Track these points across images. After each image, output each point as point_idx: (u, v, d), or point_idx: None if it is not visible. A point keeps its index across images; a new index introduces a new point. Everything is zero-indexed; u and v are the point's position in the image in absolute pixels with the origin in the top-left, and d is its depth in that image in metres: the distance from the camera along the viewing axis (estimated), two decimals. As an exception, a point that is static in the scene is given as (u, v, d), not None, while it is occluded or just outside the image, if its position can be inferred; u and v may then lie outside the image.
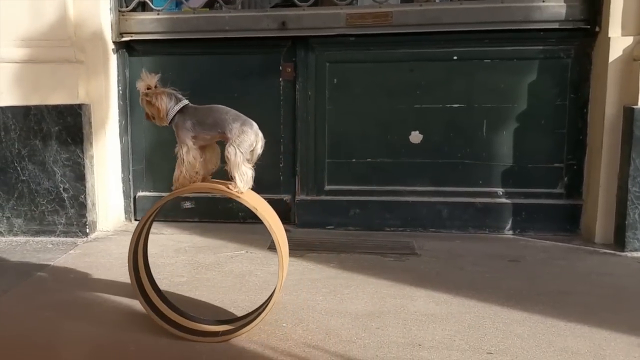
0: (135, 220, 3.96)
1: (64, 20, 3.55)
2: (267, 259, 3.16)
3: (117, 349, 2.13)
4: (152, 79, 2.19)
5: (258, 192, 3.80)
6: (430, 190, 3.73)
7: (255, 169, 2.23)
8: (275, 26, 3.67)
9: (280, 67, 3.79)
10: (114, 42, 3.79)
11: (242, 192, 2.16)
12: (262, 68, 3.82)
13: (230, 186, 2.17)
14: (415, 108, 3.70)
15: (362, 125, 3.76)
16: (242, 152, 2.13)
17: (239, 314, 2.41)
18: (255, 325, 2.17)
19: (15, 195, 3.58)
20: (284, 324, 2.34)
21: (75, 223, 3.55)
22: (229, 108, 2.22)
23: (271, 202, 3.80)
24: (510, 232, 3.67)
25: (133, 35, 3.80)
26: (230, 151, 2.13)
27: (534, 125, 3.64)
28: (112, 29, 3.76)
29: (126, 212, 3.97)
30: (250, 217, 3.87)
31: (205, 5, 3.86)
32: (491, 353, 2.09)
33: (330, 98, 3.76)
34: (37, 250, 3.32)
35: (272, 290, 2.65)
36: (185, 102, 2.22)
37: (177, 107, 2.19)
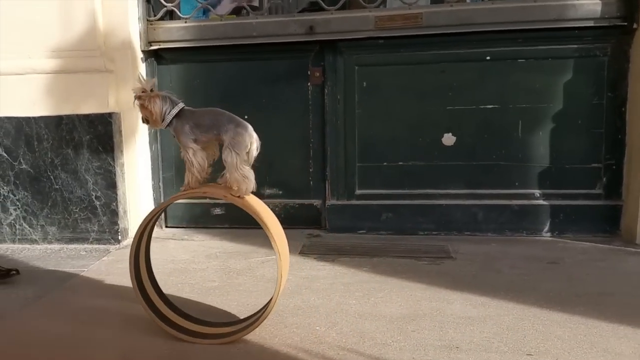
0: (167, 227, 3.98)
1: (93, 31, 3.57)
2: (299, 264, 3.12)
3: (152, 353, 2.11)
4: (148, 83, 2.18)
5: (288, 198, 3.86)
6: (465, 193, 3.66)
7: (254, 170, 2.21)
8: (302, 31, 3.65)
9: (309, 72, 3.77)
10: (142, 51, 3.81)
11: (242, 196, 2.16)
12: (290, 73, 3.80)
13: (231, 192, 2.16)
14: (447, 110, 3.63)
15: (393, 129, 3.71)
16: (238, 154, 2.12)
17: (272, 317, 2.38)
18: (253, 329, 2.15)
19: (49, 204, 3.61)
20: (317, 327, 2.30)
21: (107, 230, 3.57)
22: (223, 110, 2.22)
23: (301, 207, 3.87)
24: (548, 234, 3.58)
25: (161, 43, 3.82)
26: (227, 154, 2.12)
27: (571, 125, 3.55)
28: (140, 38, 3.78)
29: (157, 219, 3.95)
30: (280, 223, 3.84)
31: (233, 12, 3.86)
32: (531, 355, 2.03)
33: (359, 102, 3.72)
34: (71, 257, 3.34)
35: (303, 294, 2.65)
36: (182, 105, 2.20)
37: (175, 111, 2.18)
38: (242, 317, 2.37)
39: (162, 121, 2.18)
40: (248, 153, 2.16)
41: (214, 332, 2.25)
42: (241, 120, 2.18)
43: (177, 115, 2.18)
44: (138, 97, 2.18)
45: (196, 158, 2.17)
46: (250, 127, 2.17)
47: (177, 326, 2.26)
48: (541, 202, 3.59)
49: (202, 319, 2.34)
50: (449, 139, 3.65)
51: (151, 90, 2.18)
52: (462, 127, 3.64)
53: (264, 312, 2.17)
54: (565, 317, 2.34)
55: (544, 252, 3.25)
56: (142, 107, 2.18)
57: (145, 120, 2.22)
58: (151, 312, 2.24)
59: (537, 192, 3.61)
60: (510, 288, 2.68)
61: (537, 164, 3.59)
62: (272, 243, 2.13)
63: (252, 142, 2.16)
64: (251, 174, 2.16)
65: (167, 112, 2.17)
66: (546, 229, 3.58)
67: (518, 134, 3.59)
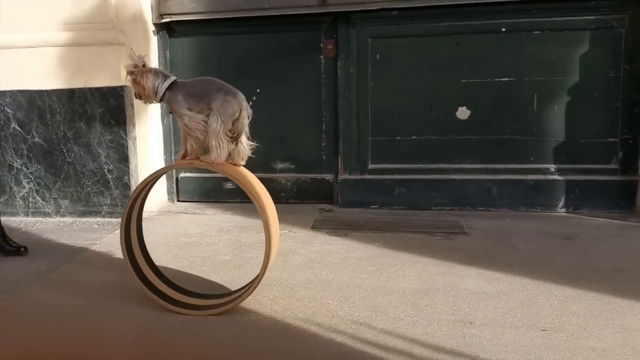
0: (178, 201, 3.98)
1: (105, 4, 3.55)
2: (311, 238, 3.11)
3: (165, 326, 2.12)
4: (140, 59, 2.18)
5: (300, 172, 3.85)
6: (479, 168, 3.62)
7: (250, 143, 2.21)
8: (315, 2, 3.60)
9: (321, 45, 3.73)
10: (154, 23, 3.78)
11: (216, 162, 2.14)
12: (303, 46, 3.76)
13: (204, 157, 2.16)
14: (461, 83, 3.58)
15: (407, 102, 3.66)
16: (223, 121, 2.10)
17: (284, 291, 2.38)
18: (238, 303, 2.16)
19: (62, 177, 3.62)
20: (329, 301, 2.28)
21: (119, 204, 3.57)
22: (215, 79, 2.20)
23: (314, 181, 3.85)
24: (563, 209, 3.54)
25: (173, 16, 3.78)
26: (212, 119, 2.11)
27: (587, 99, 3.49)
28: (152, 11, 3.75)
29: (169, 193, 3.97)
30: (292, 198, 3.88)
31: (245, -17, 3.81)
32: (545, 330, 2.01)
33: (372, 75, 3.68)
34: (83, 230, 3.35)
35: (315, 268, 2.65)
36: (173, 78, 2.20)
37: (166, 84, 2.17)
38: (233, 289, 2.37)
39: (155, 95, 2.18)
40: (238, 121, 2.15)
41: (203, 303, 2.27)
42: (232, 88, 2.17)
43: (169, 88, 2.18)
44: (130, 73, 2.18)
45: (193, 123, 2.16)
46: (240, 95, 2.15)
47: (167, 297, 2.27)
48: (556, 177, 3.55)
49: (193, 290, 2.35)
50: (463, 113, 3.60)
51: (143, 66, 2.18)
52: (477, 101, 3.59)
53: (251, 284, 2.18)
54: (580, 293, 2.31)
55: (559, 228, 3.22)
56: (135, 83, 2.19)
57: (138, 95, 2.23)
58: (141, 283, 2.25)
59: (552, 167, 3.56)
60: (525, 263, 2.65)
61: (552, 138, 3.54)
62: (258, 208, 2.12)
63: (242, 111, 2.14)
64: (227, 146, 2.14)
65: (160, 85, 2.17)
66: (561, 204, 3.55)
67: (533, 108, 3.54)
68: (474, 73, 3.57)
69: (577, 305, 2.21)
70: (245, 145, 2.19)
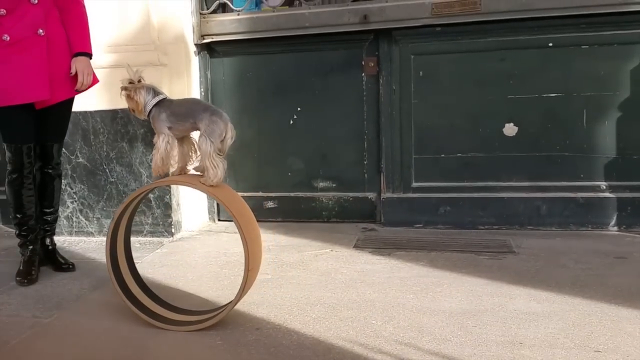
0: (219, 220, 3.97)
1: (147, 26, 3.60)
2: (353, 257, 3.05)
3: (206, 343, 2.10)
4: (136, 74, 2.23)
5: (342, 191, 3.80)
6: (527, 186, 3.51)
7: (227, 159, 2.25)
8: (356, 20, 3.58)
9: (363, 62, 3.70)
10: (195, 44, 3.81)
11: (212, 184, 2.16)
12: (344, 63, 3.73)
13: (201, 179, 2.17)
14: (508, 99, 3.50)
15: (451, 119, 3.59)
16: (212, 142, 2.13)
17: (326, 310, 2.33)
18: (211, 323, 2.17)
19: (105, 197, 3.64)
20: (373, 321, 2.22)
21: (161, 223, 3.57)
22: (200, 99, 2.25)
23: (356, 200, 3.79)
24: (615, 228, 3.41)
25: (214, 36, 3.81)
26: (201, 141, 2.15)
27: (638, 114, 3.37)
28: (193, 32, 3.79)
29: (209, 212, 3.97)
30: (334, 217, 3.83)
31: (285, 3, 3.81)
32: (599, 351, 1.92)
33: (415, 92, 3.62)
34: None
35: (358, 288, 2.59)
36: (163, 96, 2.25)
37: (154, 101, 2.22)
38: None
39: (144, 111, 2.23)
40: (223, 142, 2.17)
41: (185, 319, 2.27)
42: (217, 108, 2.21)
43: (156, 105, 2.22)
44: (124, 88, 2.24)
45: (163, 144, 2.21)
46: (225, 116, 2.18)
47: (150, 311, 2.29)
48: (607, 194, 3.42)
49: (175, 305, 2.36)
50: (510, 129, 3.51)
51: (139, 82, 2.23)
52: (524, 117, 3.49)
53: (226, 306, 2.20)
54: (635, 313, 2.21)
55: (611, 247, 3.10)
56: (128, 98, 2.24)
57: (132, 110, 2.28)
58: (125, 298, 2.28)
59: (603, 184, 3.44)
60: (576, 283, 2.55)
61: (603, 154, 3.42)
62: (240, 233, 2.11)
63: (228, 131, 2.17)
64: (222, 163, 2.17)
65: (149, 102, 2.22)
66: (613, 222, 3.41)
67: (583, 124, 3.43)
68: (520, 89, 3.48)
69: (633, 325, 2.11)
70: (222, 166, 2.20)
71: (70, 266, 3.02)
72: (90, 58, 2.88)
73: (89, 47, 2.88)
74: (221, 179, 2.17)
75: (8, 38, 2.63)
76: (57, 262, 3.03)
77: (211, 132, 2.13)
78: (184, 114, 2.20)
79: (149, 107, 2.22)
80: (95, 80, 2.90)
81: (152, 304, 2.33)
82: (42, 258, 3.01)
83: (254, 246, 2.22)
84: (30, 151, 2.81)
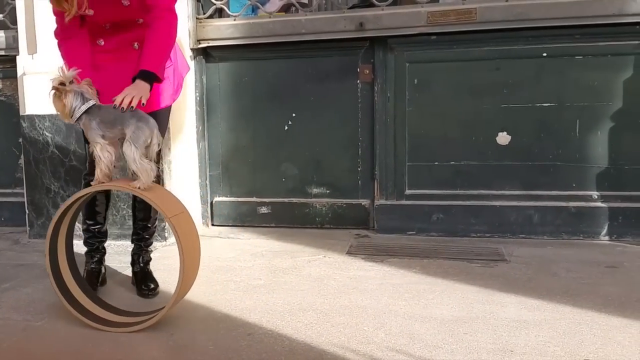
0: (212, 225, 3.96)
1: (144, 29, 3.58)
2: (346, 264, 3.06)
3: (197, 349, 2.10)
4: (68, 77, 2.20)
5: (335, 197, 3.81)
6: (520, 194, 3.53)
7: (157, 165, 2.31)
8: (352, 27, 3.59)
9: (358, 69, 3.71)
10: (191, 49, 3.80)
11: (143, 188, 2.18)
12: (339, 70, 3.74)
13: (131, 183, 2.20)
14: (502, 108, 3.52)
15: (445, 127, 3.61)
16: (137, 147, 2.14)
17: (318, 317, 2.35)
18: (144, 327, 2.21)
19: (97, 200, 3.63)
20: (365, 328, 2.24)
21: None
22: None
23: (349, 206, 3.80)
24: (607, 237, 3.42)
25: (210, 41, 3.81)
26: (126, 147, 2.16)
27: (631, 125, 3.39)
28: (189, 36, 3.78)
29: (203, 217, 3.96)
30: (327, 223, 3.83)
31: (282, 9, 3.82)
32: (590, 360, 1.94)
33: (410, 99, 3.64)
34: (118, 254, 3.36)
35: (350, 294, 2.60)
36: (92, 102, 2.22)
37: (84, 107, 2.20)
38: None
39: (72, 117, 2.21)
40: (149, 148, 2.19)
41: (122, 320, 2.32)
42: (144, 114, 2.21)
43: (86, 112, 2.20)
44: (55, 88, 2.21)
45: (103, 153, 2.21)
46: (152, 121, 2.20)
47: (88, 312, 2.34)
48: (599, 204, 3.44)
49: (114, 306, 2.41)
50: (503, 138, 3.53)
51: (71, 83, 2.20)
52: (518, 126, 3.51)
53: (161, 309, 2.22)
54: (625, 322, 2.24)
55: (602, 256, 3.12)
56: (56, 99, 2.23)
57: (58, 112, 2.27)
58: (63, 297, 2.33)
59: (595, 193, 3.46)
60: (567, 292, 2.57)
61: (595, 164, 3.45)
62: (174, 235, 2.17)
63: (153, 137, 2.19)
64: (150, 167, 2.18)
65: (77, 107, 2.20)
66: (604, 232, 3.43)
67: (576, 133, 3.45)
68: (514, 98, 3.50)
69: (623, 335, 2.13)
70: (150, 169, 2.21)
71: (150, 293, 2.71)
72: (157, 80, 2.41)
73: (155, 66, 2.39)
74: (150, 182, 2.19)
75: (102, 43, 2.53)
76: (141, 288, 2.74)
77: (136, 139, 2.14)
78: (112, 121, 2.20)
79: (78, 113, 2.20)
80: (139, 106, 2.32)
81: (92, 306, 2.37)
82: (135, 280, 2.81)
83: (187, 242, 2.24)
84: None
